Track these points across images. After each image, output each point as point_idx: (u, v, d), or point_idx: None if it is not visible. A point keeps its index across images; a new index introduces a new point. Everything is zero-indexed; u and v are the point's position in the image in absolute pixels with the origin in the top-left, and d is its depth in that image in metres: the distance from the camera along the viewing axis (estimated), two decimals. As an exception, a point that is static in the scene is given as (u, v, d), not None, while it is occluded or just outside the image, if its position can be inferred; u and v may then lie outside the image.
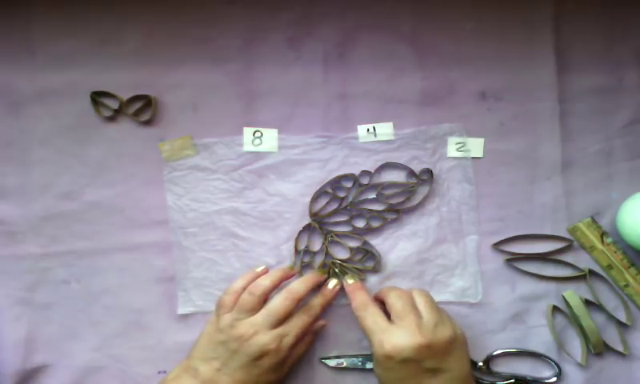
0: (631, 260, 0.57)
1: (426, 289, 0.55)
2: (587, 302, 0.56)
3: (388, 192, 0.57)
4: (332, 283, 0.55)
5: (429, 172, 0.57)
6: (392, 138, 0.57)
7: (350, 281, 0.55)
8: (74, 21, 0.56)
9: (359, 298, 0.53)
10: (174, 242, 0.57)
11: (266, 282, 0.52)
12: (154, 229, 0.57)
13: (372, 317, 0.51)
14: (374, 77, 0.57)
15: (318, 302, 0.54)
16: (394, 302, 0.51)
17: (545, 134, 0.58)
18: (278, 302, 0.51)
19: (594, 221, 0.57)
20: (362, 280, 0.57)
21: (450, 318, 0.51)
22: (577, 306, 0.56)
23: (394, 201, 0.57)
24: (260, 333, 0.50)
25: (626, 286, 0.57)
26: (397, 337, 0.48)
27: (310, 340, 0.55)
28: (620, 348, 0.56)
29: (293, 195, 0.57)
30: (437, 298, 0.56)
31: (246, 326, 0.50)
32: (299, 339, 0.52)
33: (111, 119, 0.57)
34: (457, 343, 0.50)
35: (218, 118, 0.57)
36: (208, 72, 0.57)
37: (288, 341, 0.50)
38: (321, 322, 0.55)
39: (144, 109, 0.57)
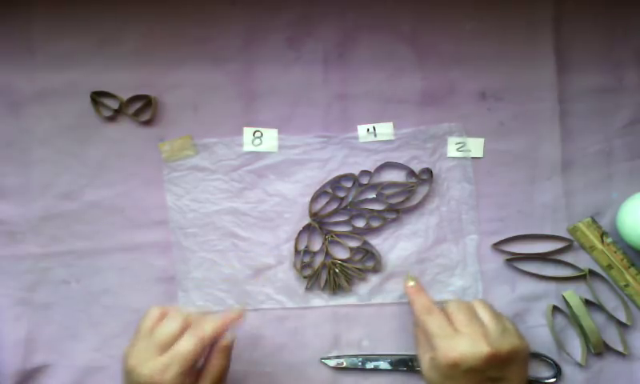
0: (631, 260, 0.57)
1: (460, 298, 0.54)
2: (587, 302, 0.56)
3: (388, 192, 0.57)
4: (234, 311, 0.50)
5: (428, 172, 0.57)
6: (392, 137, 0.57)
7: (411, 283, 0.54)
8: (74, 21, 0.56)
9: (421, 301, 0.52)
10: (174, 242, 0.57)
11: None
12: (154, 229, 0.57)
13: (437, 321, 0.49)
14: (373, 77, 0.57)
15: (208, 325, 0.47)
16: (456, 311, 0.50)
17: (545, 134, 0.58)
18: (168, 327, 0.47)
19: (594, 221, 0.57)
20: (363, 280, 0.57)
21: (515, 327, 0.51)
22: (577, 306, 0.56)
23: (393, 200, 0.57)
24: (142, 363, 0.46)
25: (626, 285, 0.57)
26: (464, 345, 0.47)
27: (224, 356, 0.49)
28: (620, 348, 0.56)
29: (293, 195, 0.57)
30: (437, 298, 0.56)
31: (133, 357, 0.46)
32: (191, 365, 0.46)
33: (111, 119, 0.57)
34: (521, 353, 0.49)
35: (218, 118, 0.57)
36: (208, 72, 0.57)
37: (174, 370, 0.45)
38: (227, 339, 0.49)
39: (144, 109, 0.57)
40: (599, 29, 0.58)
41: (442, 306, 0.51)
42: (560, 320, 0.57)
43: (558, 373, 0.56)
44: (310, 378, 0.56)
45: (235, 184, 0.57)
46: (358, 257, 0.57)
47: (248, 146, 0.57)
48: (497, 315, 0.51)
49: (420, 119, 0.57)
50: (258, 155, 0.57)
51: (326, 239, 0.57)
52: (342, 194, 0.57)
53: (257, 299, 0.57)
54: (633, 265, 0.57)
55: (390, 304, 0.57)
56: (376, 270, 0.57)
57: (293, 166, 0.57)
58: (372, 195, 0.57)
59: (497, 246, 0.57)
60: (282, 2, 0.57)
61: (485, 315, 0.50)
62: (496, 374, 0.48)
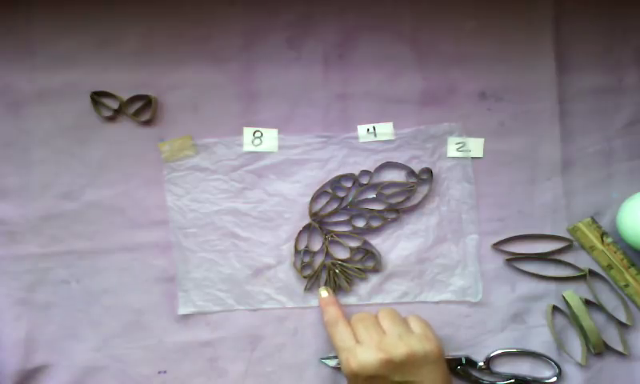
0: (631, 260, 0.57)
1: (391, 307, 0.55)
2: (587, 302, 0.56)
3: (388, 191, 0.57)
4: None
5: (428, 171, 0.57)
6: (392, 137, 0.57)
7: (323, 294, 0.55)
8: (74, 21, 0.56)
9: (330, 313, 0.53)
10: (174, 243, 0.57)
11: None
12: (154, 229, 0.57)
13: (340, 334, 0.51)
14: (374, 77, 0.57)
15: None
16: (355, 324, 0.52)
17: (545, 134, 0.58)
18: None
19: (594, 221, 0.57)
20: (363, 279, 0.57)
21: (424, 331, 0.51)
22: (577, 306, 0.56)
23: (393, 200, 0.57)
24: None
25: (626, 285, 0.57)
26: (360, 354, 0.49)
27: None
28: (620, 348, 0.56)
29: (293, 195, 0.57)
30: (437, 298, 0.57)
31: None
32: None
33: (111, 119, 0.57)
34: (429, 356, 0.49)
35: (218, 118, 0.57)
36: (208, 72, 0.57)
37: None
38: None
39: (144, 109, 0.57)
40: (599, 29, 0.58)
41: (350, 317, 0.53)
42: (560, 320, 0.57)
43: (558, 373, 0.56)
44: (309, 378, 0.56)
45: (235, 184, 0.57)
46: (358, 257, 0.57)
47: (248, 146, 0.57)
48: (398, 321, 0.51)
49: (420, 119, 0.57)
50: (258, 155, 0.57)
51: (326, 239, 0.57)
52: (341, 194, 0.57)
53: (257, 299, 0.57)
54: (633, 265, 0.57)
55: (389, 304, 0.57)
56: (376, 269, 0.57)
57: (293, 166, 0.57)
58: (372, 195, 0.57)
59: (497, 246, 0.57)
60: (281, 1, 0.57)
61: (385, 323, 0.51)
62: (401, 378, 0.48)
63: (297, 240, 0.57)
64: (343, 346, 0.51)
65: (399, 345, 0.49)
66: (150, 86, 0.57)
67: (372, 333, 0.50)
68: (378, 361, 0.48)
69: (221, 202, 0.57)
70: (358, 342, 0.50)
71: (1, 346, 0.56)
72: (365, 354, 0.49)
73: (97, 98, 0.56)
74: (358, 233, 0.57)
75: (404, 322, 0.52)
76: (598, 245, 0.57)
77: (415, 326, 0.52)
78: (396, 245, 0.57)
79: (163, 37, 0.57)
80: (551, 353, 0.57)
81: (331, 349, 0.56)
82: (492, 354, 0.56)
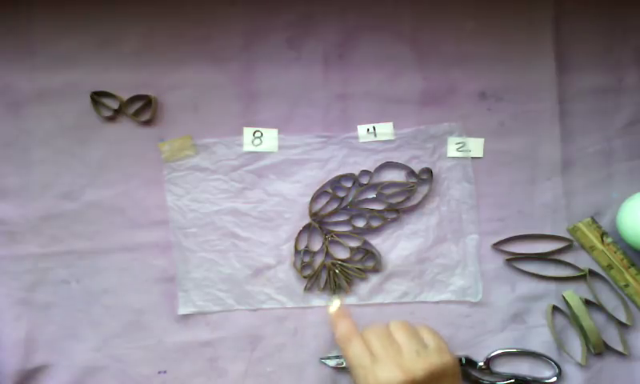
0: (631, 260, 0.57)
1: (403, 319, 0.52)
2: (587, 302, 0.56)
3: (388, 191, 0.57)
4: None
5: (428, 171, 0.57)
6: (392, 137, 0.57)
7: (334, 306, 0.54)
8: (74, 21, 0.56)
9: (342, 328, 0.51)
10: (174, 243, 0.57)
11: None
12: (154, 229, 0.57)
13: (355, 350, 0.49)
14: (374, 77, 0.57)
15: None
16: (372, 338, 0.49)
17: (545, 134, 0.58)
18: None
19: (594, 221, 0.57)
20: (363, 279, 0.57)
21: (439, 344, 0.49)
22: (577, 306, 0.56)
23: (393, 200, 0.57)
24: None
25: (626, 285, 0.57)
26: (380, 374, 0.47)
27: None
28: (620, 348, 0.56)
29: (293, 195, 0.57)
30: (437, 298, 0.57)
31: None
32: None
33: (111, 119, 0.57)
34: (447, 369, 0.48)
35: (218, 118, 0.57)
36: (208, 72, 0.57)
37: None
38: None
39: (144, 109, 0.57)
40: (599, 29, 0.58)
41: (362, 332, 0.50)
42: (560, 320, 0.57)
43: (558, 373, 0.56)
44: (309, 378, 0.56)
45: (235, 184, 0.57)
46: (358, 257, 0.57)
47: (248, 146, 0.57)
48: (413, 335, 0.49)
49: (420, 119, 0.57)
50: (258, 155, 0.57)
51: (326, 239, 0.57)
52: (341, 194, 0.57)
53: (257, 299, 0.57)
54: (633, 265, 0.57)
55: (389, 304, 0.57)
56: (376, 269, 0.57)
57: (293, 166, 0.57)
58: (372, 195, 0.57)
59: (497, 246, 0.57)
60: (281, 1, 0.57)
61: (400, 337, 0.49)
62: None
63: (297, 240, 0.57)
64: (359, 364, 0.48)
65: (419, 361, 0.47)
66: (150, 85, 0.57)
67: (388, 348, 0.48)
68: (398, 382, 0.46)
69: (221, 202, 0.57)
70: (373, 356, 0.48)
71: (1, 346, 0.56)
72: (385, 374, 0.46)
73: (97, 98, 0.56)
74: (358, 233, 0.57)
75: (417, 334, 0.50)
76: (598, 245, 0.57)
77: (428, 338, 0.50)
78: (396, 245, 0.57)
79: (163, 37, 0.57)
80: (551, 353, 0.57)
81: (331, 348, 0.56)
82: (492, 354, 0.56)
